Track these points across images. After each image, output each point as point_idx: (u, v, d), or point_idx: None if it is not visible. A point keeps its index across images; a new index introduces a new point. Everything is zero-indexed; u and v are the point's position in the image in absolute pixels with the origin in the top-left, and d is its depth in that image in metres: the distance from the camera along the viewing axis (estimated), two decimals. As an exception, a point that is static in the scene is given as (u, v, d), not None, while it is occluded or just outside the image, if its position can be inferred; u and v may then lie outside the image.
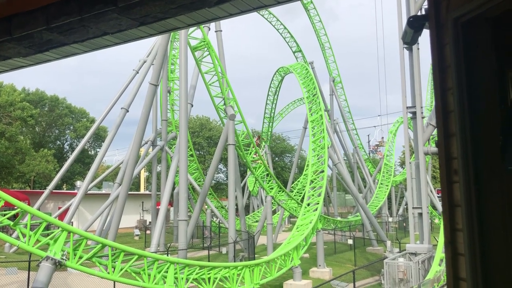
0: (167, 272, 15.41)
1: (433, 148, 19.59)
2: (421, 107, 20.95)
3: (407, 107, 21.05)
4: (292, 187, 48.11)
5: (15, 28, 2.81)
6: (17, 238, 13.70)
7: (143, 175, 67.68)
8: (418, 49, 21.17)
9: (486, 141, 1.50)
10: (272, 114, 52.19)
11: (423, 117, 20.99)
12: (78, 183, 43.33)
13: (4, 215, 13.82)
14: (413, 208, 21.03)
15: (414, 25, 2.09)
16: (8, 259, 23.31)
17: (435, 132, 20.77)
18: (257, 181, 35.85)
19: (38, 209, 23.36)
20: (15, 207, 14.25)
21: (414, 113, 20.87)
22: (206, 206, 39.06)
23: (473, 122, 1.53)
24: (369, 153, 58.17)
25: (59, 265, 13.92)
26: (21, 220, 14.44)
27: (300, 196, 39.57)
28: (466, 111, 1.54)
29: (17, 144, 42.20)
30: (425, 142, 19.82)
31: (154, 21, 2.59)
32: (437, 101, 1.70)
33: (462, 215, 1.48)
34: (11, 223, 13.34)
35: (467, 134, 1.52)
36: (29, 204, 23.49)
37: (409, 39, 2.32)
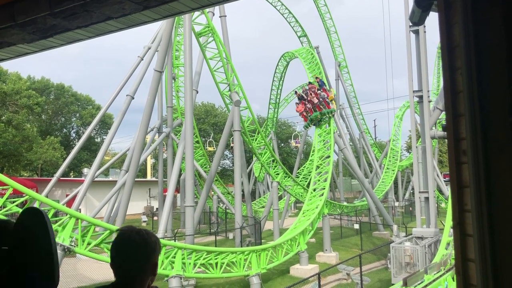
0: (174, 257, 15.58)
1: (439, 132, 19.50)
2: (428, 91, 20.81)
3: (413, 91, 20.92)
4: (298, 172, 48.18)
5: (18, 13, 2.80)
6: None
7: (150, 161, 67.99)
8: (425, 32, 20.95)
9: (495, 121, 1.48)
10: (277, 100, 52.02)
11: (429, 101, 20.86)
12: (85, 170, 43.64)
13: (13, 202, 13.98)
14: (419, 192, 21.02)
15: (422, 4, 2.06)
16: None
17: (441, 116, 20.65)
18: (263, 167, 35.91)
19: (46, 196, 23.56)
20: (24, 195, 14.40)
21: (420, 97, 20.74)
22: (212, 192, 39.26)
23: (482, 102, 1.51)
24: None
25: (68, 251, 14.11)
26: (29, 207, 14.61)
27: (306, 181, 39.65)
28: (475, 91, 1.52)
29: (24, 132, 42.47)
30: (431, 126, 19.72)
31: (158, 4, 2.57)
32: (446, 82, 1.68)
33: (471, 196, 1.47)
34: (20, 210, 13.45)
35: (476, 114, 1.50)
36: (37, 192, 23.69)
37: (417, 19, 2.29)
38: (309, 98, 29.53)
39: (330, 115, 29.57)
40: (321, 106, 29.29)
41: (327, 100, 29.51)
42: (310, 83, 31.15)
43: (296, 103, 31.09)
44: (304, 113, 30.18)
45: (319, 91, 29.61)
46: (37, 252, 1.53)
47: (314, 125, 30.28)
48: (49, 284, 1.52)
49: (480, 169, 1.45)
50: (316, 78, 31.20)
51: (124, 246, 1.93)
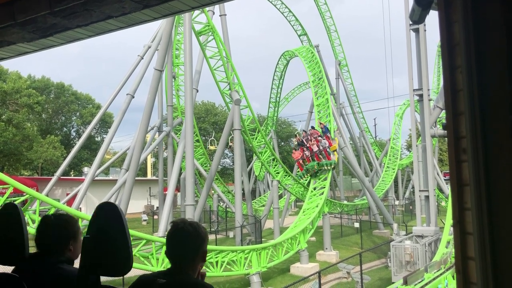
0: (175, 256, 15.56)
1: (440, 130, 19.50)
2: (428, 90, 20.80)
3: (413, 90, 20.91)
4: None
5: (18, 12, 2.80)
6: (26, 224, 13.82)
7: (150, 160, 68.01)
8: (425, 30, 20.93)
9: (495, 120, 1.48)
10: (277, 98, 51.99)
11: (430, 100, 20.85)
12: (85, 169, 43.63)
13: (14, 201, 13.98)
14: (419, 191, 21.04)
15: (422, 2, 2.06)
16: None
17: (442, 114, 20.66)
18: (263, 166, 35.92)
19: (47, 195, 23.57)
20: (24, 194, 14.41)
21: (420, 96, 20.74)
22: (212, 191, 39.28)
23: (482, 100, 1.51)
24: None
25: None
26: (30, 206, 14.59)
27: (306, 180, 39.67)
28: (475, 90, 1.52)
29: (24, 131, 42.47)
30: (432, 124, 19.71)
31: (158, 3, 2.57)
32: (446, 80, 1.68)
33: (471, 194, 1.47)
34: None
35: (476, 112, 1.50)
36: (37, 191, 23.71)
37: (417, 17, 2.29)
38: (308, 145, 26.86)
39: (329, 167, 26.57)
40: (320, 156, 26.60)
41: (328, 150, 26.69)
42: (312, 127, 28.45)
43: (294, 149, 28.24)
44: (301, 161, 27.46)
45: (320, 138, 26.85)
46: (114, 240, 1.84)
47: (310, 175, 27.27)
48: (126, 267, 1.84)
49: (480, 168, 1.45)
50: (320, 124, 28.26)
51: (178, 237, 2.23)
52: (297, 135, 30.89)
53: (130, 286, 2.15)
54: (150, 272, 2.35)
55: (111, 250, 1.87)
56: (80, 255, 1.96)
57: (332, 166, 26.93)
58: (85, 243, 1.92)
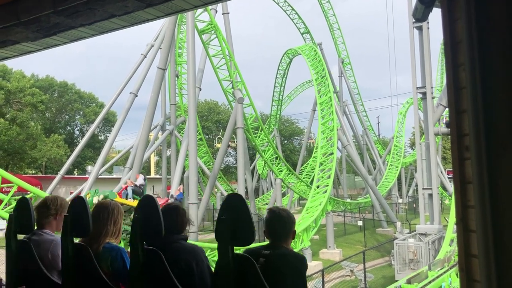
0: (178, 254, 15.60)
1: (443, 128, 19.45)
2: (431, 87, 20.74)
3: (417, 88, 20.86)
4: (301, 169, 48.18)
5: (22, 12, 2.81)
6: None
7: (153, 159, 68.09)
8: (428, 28, 20.86)
9: (498, 117, 1.48)
10: (280, 97, 51.95)
11: (433, 98, 20.79)
12: (89, 168, 43.74)
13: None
14: (423, 189, 21.00)
15: (425, 0, 2.05)
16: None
17: (445, 112, 20.59)
18: (266, 164, 35.93)
19: (51, 193, 23.66)
20: (28, 192, 14.48)
21: (424, 94, 20.68)
22: (216, 190, 39.31)
23: (485, 98, 1.50)
24: None
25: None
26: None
27: (309, 178, 39.62)
28: (478, 87, 1.52)
29: (28, 130, 42.59)
30: (435, 122, 19.66)
31: (161, 2, 2.58)
32: (449, 78, 1.67)
33: (474, 191, 1.47)
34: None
35: (479, 110, 1.50)
36: (41, 189, 23.80)
37: (420, 15, 2.29)
38: None
39: None
40: None
41: None
42: None
43: None
44: None
45: None
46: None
47: None
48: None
49: (483, 165, 1.45)
50: None
51: (275, 220, 2.98)
52: None
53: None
54: (254, 247, 2.98)
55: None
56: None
57: None
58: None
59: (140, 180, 17.06)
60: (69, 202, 3.38)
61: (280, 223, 2.94)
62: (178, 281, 2.68)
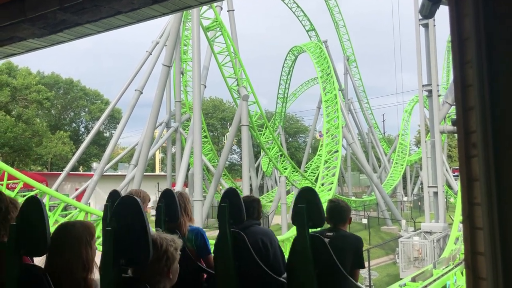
0: (183, 251, 15.64)
1: (449, 126, 19.36)
2: (437, 85, 20.65)
3: (422, 85, 20.77)
4: (306, 167, 48.12)
5: (29, 9, 2.82)
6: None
7: (158, 156, 68.23)
8: (434, 25, 20.75)
9: (505, 114, 1.47)
10: (285, 94, 51.86)
11: (439, 95, 20.70)
12: (94, 164, 43.86)
13: (24, 196, 14.12)
14: (428, 187, 20.93)
15: (432, -4, 2.04)
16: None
17: (451, 110, 20.50)
18: (271, 162, 35.92)
19: (56, 190, 23.75)
20: (34, 188, 14.55)
21: (430, 91, 20.59)
22: (220, 187, 39.36)
23: (492, 95, 1.50)
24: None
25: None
26: (40, 201, 14.73)
27: (314, 176, 39.57)
28: (486, 85, 1.51)
29: (34, 127, 42.82)
30: (441, 120, 19.58)
31: (167, -2, 2.58)
32: (456, 75, 1.67)
33: (481, 189, 1.47)
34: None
35: (486, 107, 1.49)
36: (47, 186, 23.90)
37: (427, 12, 2.27)
38: None
39: None
40: None
41: None
42: None
43: None
44: None
45: None
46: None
47: None
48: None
49: (490, 162, 1.45)
50: None
51: (335, 209, 3.81)
52: None
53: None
54: (317, 230, 3.50)
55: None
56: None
57: None
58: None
59: None
60: (148, 195, 4.25)
61: (339, 211, 3.73)
62: (257, 256, 3.30)
